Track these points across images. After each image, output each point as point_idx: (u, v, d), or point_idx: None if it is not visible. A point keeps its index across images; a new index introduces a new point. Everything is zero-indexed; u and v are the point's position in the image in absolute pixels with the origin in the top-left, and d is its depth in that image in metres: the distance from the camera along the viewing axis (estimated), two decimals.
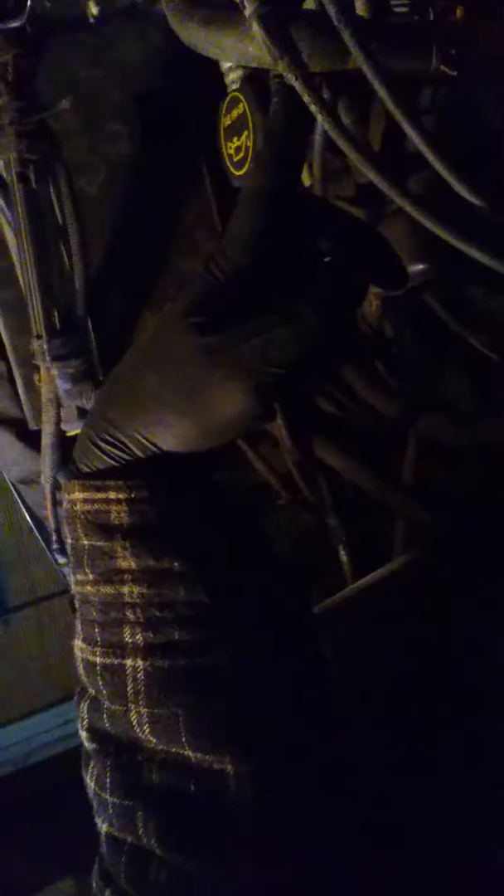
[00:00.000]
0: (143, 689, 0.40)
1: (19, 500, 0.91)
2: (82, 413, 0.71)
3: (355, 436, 0.75)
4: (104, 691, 0.41)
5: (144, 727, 0.40)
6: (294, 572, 0.66)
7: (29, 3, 0.62)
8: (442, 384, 0.75)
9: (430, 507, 0.76)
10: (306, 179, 0.62)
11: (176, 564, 0.40)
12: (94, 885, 0.44)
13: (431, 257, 0.57)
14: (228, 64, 0.61)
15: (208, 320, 0.39)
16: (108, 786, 0.41)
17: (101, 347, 0.70)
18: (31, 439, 0.79)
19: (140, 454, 0.41)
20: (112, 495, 0.41)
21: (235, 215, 0.40)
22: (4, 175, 0.66)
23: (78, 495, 0.42)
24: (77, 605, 0.44)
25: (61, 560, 0.83)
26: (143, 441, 0.40)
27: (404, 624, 0.67)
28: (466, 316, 0.67)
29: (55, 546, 0.82)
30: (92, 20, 0.68)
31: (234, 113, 0.60)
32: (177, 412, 0.39)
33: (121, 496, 0.41)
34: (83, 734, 0.44)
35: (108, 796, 0.41)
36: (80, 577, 0.43)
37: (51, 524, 0.80)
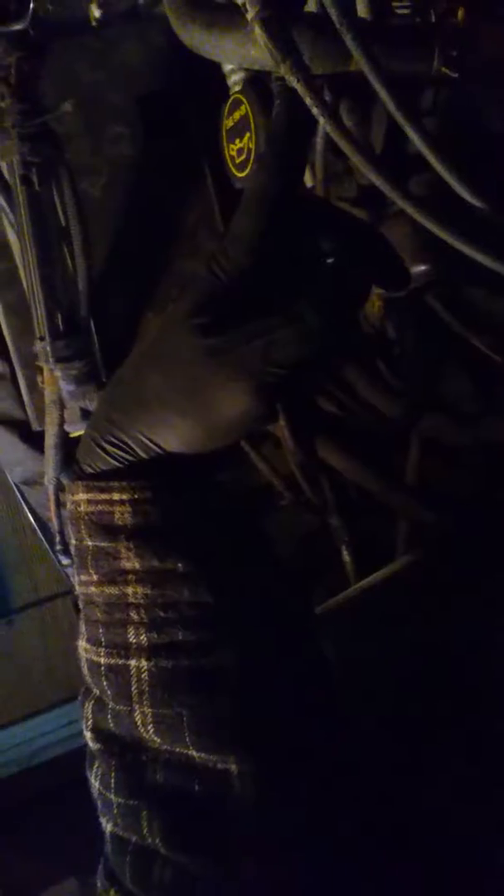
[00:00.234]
0: (147, 689, 0.40)
1: (22, 501, 0.91)
2: (85, 414, 0.71)
3: (358, 436, 0.75)
4: (108, 692, 0.41)
5: (149, 727, 0.40)
6: (297, 573, 0.66)
7: (31, 6, 0.62)
8: (444, 385, 0.75)
9: (433, 508, 0.76)
10: (308, 181, 0.62)
11: (180, 565, 0.40)
12: (98, 884, 0.44)
13: (433, 258, 0.57)
14: (230, 66, 0.61)
15: (211, 321, 0.39)
16: (112, 786, 0.41)
17: (104, 349, 0.70)
18: (34, 440, 0.79)
19: (143, 455, 0.41)
20: (116, 496, 0.41)
21: (238, 216, 0.40)
22: (7, 177, 0.67)
23: (82, 496, 0.42)
24: (81, 606, 0.44)
25: (65, 561, 0.83)
26: (147, 442, 0.40)
27: (406, 624, 0.67)
28: (468, 317, 0.68)
29: (59, 547, 0.82)
30: (94, 23, 0.68)
31: (237, 115, 0.60)
32: (180, 413, 0.39)
33: (124, 497, 0.41)
34: (88, 734, 0.44)
35: (112, 796, 0.41)
36: (83, 577, 0.43)
37: (54, 525, 0.80)
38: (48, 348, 0.67)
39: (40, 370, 0.71)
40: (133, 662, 0.41)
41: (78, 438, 0.73)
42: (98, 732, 0.43)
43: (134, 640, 0.41)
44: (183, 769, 0.40)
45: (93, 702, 0.44)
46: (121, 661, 0.41)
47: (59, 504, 0.77)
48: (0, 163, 0.67)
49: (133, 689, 0.41)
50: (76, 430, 0.73)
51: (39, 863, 1.98)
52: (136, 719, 0.41)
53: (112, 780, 0.41)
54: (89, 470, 0.43)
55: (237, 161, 0.62)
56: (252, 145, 0.58)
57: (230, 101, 0.61)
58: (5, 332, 0.75)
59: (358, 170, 0.59)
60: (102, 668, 0.41)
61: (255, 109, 0.57)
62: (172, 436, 0.40)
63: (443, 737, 0.55)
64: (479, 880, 0.47)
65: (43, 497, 0.81)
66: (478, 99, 0.51)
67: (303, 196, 0.55)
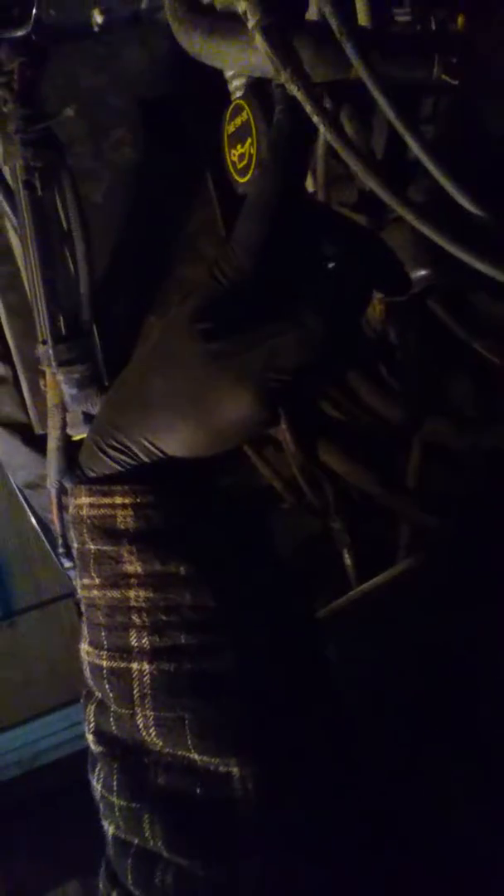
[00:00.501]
0: (149, 692, 0.40)
1: (25, 504, 0.91)
2: (88, 418, 0.72)
3: (359, 440, 0.75)
4: (111, 694, 0.42)
5: (150, 730, 0.41)
6: (298, 576, 0.66)
7: (34, 11, 0.62)
8: (445, 389, 0.75)
9: (434, 512, 0.76)
10: (309, 186, 0.63)
11: (182, 569, 0.41)
12: (100, 887, 0.44)
13: (434, 263, 0.57)
14: (232, 71, 0.62)
15: (214, 326, 0.39)
16: (114, 788, 0.42)
17: (106, 352, 0.71)
18: (36, 444, 0.79)
19: (146, 459, 0.41)
20: (118, 500, 0.41)
21: (240, 222, 0.41)
22: (10, 182, 0.67)
23: (84, 500, 0.42)
24: (83, 609, 0.44)
25: (67, 564, 0.84)
26: (149, 446, 0.41)
27: (408, 627, 0.68)
28: (470, 321, 0.68)
29: (61, 550, 0.82)
30: (96, 28, 0.68)
31: (238, 120, 0.60)
32: (182, 417, 0.40)
33: (127, 501, 0.41)
34: (90, 737, 0.44)
35: (114, 799, 0.42)
36: (86, 581, 0.43)
37: (56, 528, 0.81)
38: (50, 352, 0.67)
39: (42, 374, 0.71)
40: (135, 666, 0.41)
41: (80, 442, 0.74)
42: (100, 735, 0.43)
43: (136, 644, 0.41)
44: (185, 772, 0.40)
45: (95, 705, 0.44)
46: (123, 665, 0.41)
47: (62, 507, 0.78)
48: (3, 167, 0.68)
49: (135, 692, 0.41)
50: (78, 434, 0.74)
51: (41, 865, 1.98)
52: (138, 722, 0.41)
53: (114, 783, 0.42)
54: (92, 474, 0.43)
55: (239, 167, 0.62)
56: (253, 151, 0.59)
57: (232, 106, 0.62)
58: (8, 336, 0.75)
59: (358, 176, 0.59)
60: (104, 671, 0.42)
61: (257, 115, 0.57)
62: (175, 440, 0.40)
63: (445, 738, 0.55)
64: (481, 879, 0.47)
65: (45, 500, 0.82)
66: (477, 106, 0.51)
67: (304, 201, 0.56)
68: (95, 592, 0.42)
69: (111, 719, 0.42)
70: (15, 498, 0.93)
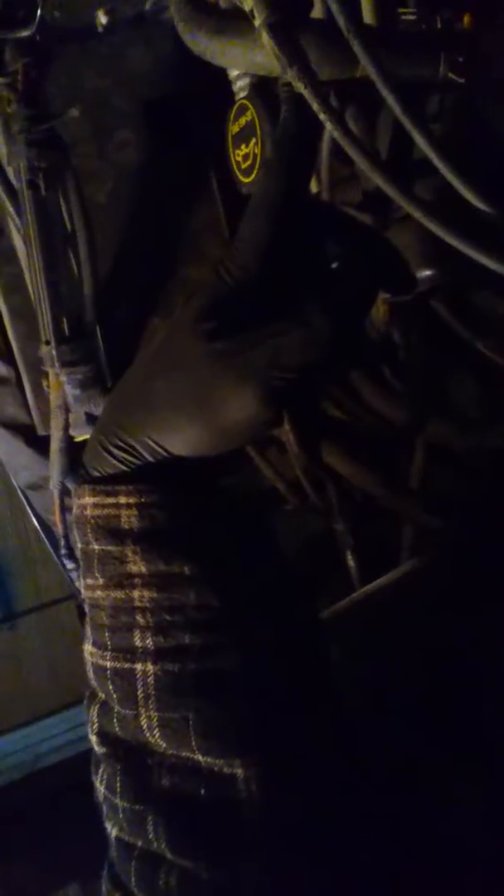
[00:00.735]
0: (153, 693, 0.40)
1: (27, 506, 0.91)
2: (90, 419, 0.72)
3: (363, 441, 0.75)
4: (114, 695, 0.41)
5: (154, 731, 0.40)
6: (302, 577, 0.66)
7: (39, 12, 0.62)
8: (449, 390, 0.75)
9: (438, 513, 0.76)
10: (313, 186, 0.62)
11: (186, 569, 0.40)
12: (103, 889, 0.44)
13: (438, 263, 0.57)
14: (236, 72, 0.62)
15: (218, 325, 0.39)
16: (118, 790, 0.41)
17: (110, 353, 0.71)
18: (39, 445, 0.79)
19: (150, 459, 0.41)
20: (122, 500, 0.41)
21: (245, 221, 0.40)
22: (14, 182, 0.67)
23: (88, 500, 0.42)
24: (87, 610, 0.44)
25: (69, 565, 0.83)
26: (154, 445, 0.41)
27: (411, 628, 0.67)
28: (474, 321, 0.68)
29: (63, 551, 0.82)
30: (101, 29, 0.68)
31: (242, 120, 0.60)
32: (186, 417, 0.40)
33: (131, 501, 0.41)
34: (93, 738, 0.44)
35: (118, 800, 0.41)
36: (90, 581, 0.43)
37: (59, 529, 0.80)
38: (54, 353, 0.67)
39: (45, 375, 0.71)
40: (139, 666, 0.41)
41: (83, 443, 0.74)
42: (103, 736, 0.43)
43: (140, 644, 0.41)
44: (189, 773, 0.40)
45: (98, 705, 0.44)
46: (127, 665, 0.41)
47: (64, 508, 0.78)
48: (7, 168, 0.68)
49: (139, 692, 0.41)
50: (81, 435, 0.73)
51: (42, 867, 1.97)
52: (142, 723, 0.41)
53: (117, 785, 0.41)
54: (96, 473, 0.43)
55: (243, 167, 0.62)
56: (258, 151, 0.58)
57: (236, 106, 0.62)
58: (11, 337, 0.75)
59: (363, 175, 0.59)
60: (108, 671, 0.41)
61: (262, 115, 0.57)
62: (179, 439, 0.40)
63: (447, 739, 0.55)
64: (483, 880, 0.47)
65: (47, 501, 0.81)
66: (483, 103, 0.51)
67: (309, 201, 0.56)
68: (99, 593, 0.42)
69: (115, 720, 0.42)
70: (16, 500, 0.93)
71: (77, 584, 0.85)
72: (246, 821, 0.39)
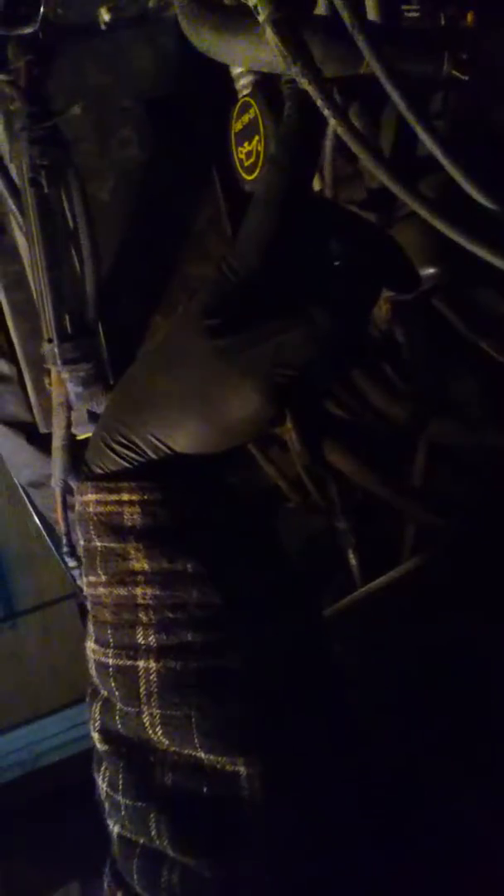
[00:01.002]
0: (155, 690, 0.40)
1: (28, 504, 0.91)
2: (93, 416, 0.71)
3: (365, 440, 0.75)
4: (116, 693, 0.41)
5: (157, 728, 0.40)
6: (304, 574, 0.66)
7: (42, 10, 0.62)
8: (451, 388, 0.75)
9: (439, 511, 0.76)
10: (316, 184, 0.62)
11: (189, 566, 0.40)
12: (105, 886, 0.44)
13: (441, 261, 0.57)
14: (239, 69, 0.62)
15: (222, 322, 0.39)
16: (120, 787, 0.41)
17: (112, 351, 0.70)
18: (40, 442, 0.79)
19: (153, 456, 0.41)
20: (125, 497, 0.41)
21: (248, 218, 0.40)
22: (17, 180, 0.67)
23: (91, 497, 0.42)
24: (89, 607, 0.44)
25: (71, 563, 0.83)
26: (157, 442, 0.40)
27: (412, 626, 0.67)
28: (476, 320, 0.68)
29: (65, 549, 0.82)
30: (103, 26, 0.68)
31: (245, 118, 0.60)
32: (190, 414, 0.39)
33: (133, 498, 0.41)
34: (95, 736, 0.44)
35: (120, 798, 0.41)
36: (92, 578, 0.43)
37: (61, 527, 0.80)
38: (56, 350, 0.67)
39: (48, 372, 0.71)
40: (141, 664, 0.41)
41: (85, 441, 0.74)
42: (106, 734, 0.43)
43: (142, 642, 0.41)
44: (191, 771, 0.40)
45: (100, 703, 0.43)
46: (129, 663, 0.41)
47: (66, 506, 0.77)
48: (9, 165, 0.68)
49: (141, 690, 0.40)
50: (83, 433, 0.73)
51: (42, 866, 1.97)
52: (145, 721, 0.41)
53: (120, 782, 0.41)
54: (99, 470, 0.43)
55: (246, 164, 0.62)
56: (261, 148, 0.58)
57: (239, 104, 0.61)
58: (13, 335, 0.75)
59: (366, 173, 0.59)
60: (111, 669, 0.41)
61: (264, 113, 0.57)
62: (182, 436, 0.40)
63: (449, 737, 0.55)
64: (486, 877, 0.47)
65: (49, 499, 0.81)
66: (487, 100, 0.51)
67: (313, 198, 0.55)
68: (102, 590, 0.42)
69: (117, 718, 0.42)
70: (16, 498, 0.93)
71: (79, 581, 0.85)
72: (248, 818, 0.39)
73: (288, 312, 0.38)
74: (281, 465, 0.78)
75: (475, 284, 0.67)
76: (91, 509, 0.42)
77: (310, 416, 0.73)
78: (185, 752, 0.40)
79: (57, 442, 0.73)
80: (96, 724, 0.44)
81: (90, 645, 0.44)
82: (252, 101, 0.59)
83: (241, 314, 0.39)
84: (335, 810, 0.43)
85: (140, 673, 0.41)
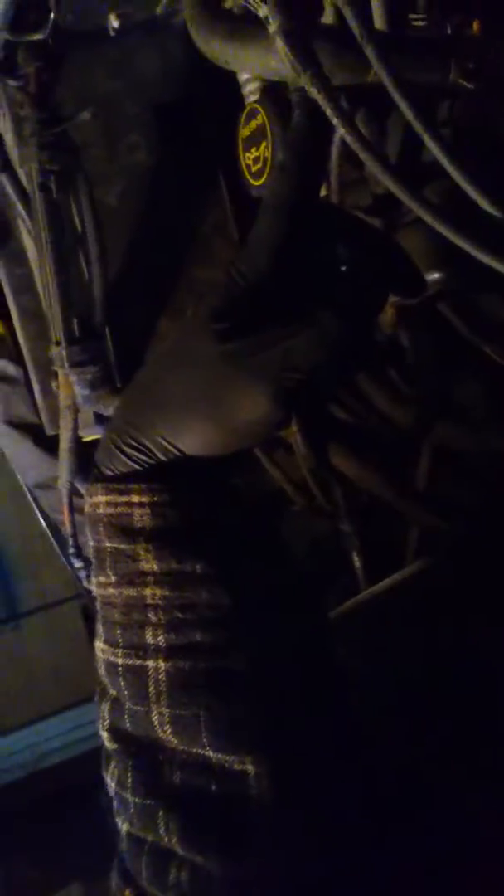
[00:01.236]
0: (164, 690, 0.41)
1: (34, 505, 0.92)
2: (99, 419, 0.72)
3: (369, 443, 0.75)
4: (126, 692, 0.42)
5: (166, 728, 0.41)
6: (309, 577, 0.66)
7: (51, 16, 0.63)
8: (455, 393, 0.75)
9: (443, 515, 0.76)
10: (323, 190, 0.63)
11: (198, 567, 0.41)
12: (112, 884, 0.44)
13: (446, 266, 0.58)
14: (246, 76, 0.62)
15: (230, 326, 0.39)
16: (129, 785, 0.42)
17: (119, 354, 0.71)
18: (47, 444, 0.80)
19: (163, 458, 0.41)
20: (135, 498, 0.41)
21: (257, 223, 0.41)
22: (26, 185, 0.68)
23: (101, 498, 0.42)
24: (99, 607, 0.44)
25: (77, 564, 0.84)
26: (166, 445, 0.41)
27: (417, 629, 0.68)
28: (480, 325, 0.68)
29: (71, 550, 0.83)
30: (112, 33, 0.69)
31: (253, 124, 0.61)
32: (199, 417, 0.40)
33: (143, 499, 0.41)
34: (104, 734, 0.44)
35: (129, 796, 0.42)
36: (102, 579, 0.43)
37: (67, 529, 0.81)
38: (63, 353, 0.68)
39: (55, 375, 0.72)
40: (151, 663, 0.41)
41: (92, 443, 0.74)
42: (114, 732, 0.43)
43: (152, 642, 0.41)
44: (200, 770, 0.41)
45: (109, 702, 0.44)
46: (138, 662, 0.41)
47: (73, 507, 0.78)
48: (18, 170, 0.68)
49: (150, 689, 0.41)
50: (90, 435, 0.74)
51: (44, 867, 1.97)
52: (154, 720, 0.41)
53: (129, 780, 0.42)
54: (109, 472, 0.43)
55: (253, 170, 0.63)
56: (268, 154, 0.59)
57: (246, 110, 0.62)
58: (20, 337, 0.76)
59: (372, 179, 0.59)
60: (120, 668, 0.42)
61: (272, 119, 0.57)
62: (191, 439, 0.40)
63: (453, 740, 0.55)
64: (486, 880, 0.47)
65: (55, 501, 0.82)
66: (493, 108, 0.51)
67: (320, 203, 0.56)
68: (111, 590, 0.43)
69: (126, 717, 0.42)
70: (20, 500, 0.93)
71: (85, 583, 0.86)
72: (256, 817, 0.40)
73: (296, 317, 0.39)
74: (286, 467, 0.78)
75: (479, 289, 0.67)
76: (101, 511, 0.42)
77: (315, 420, 0.74)
78: (194, 750, 0.41)
79: (64, 444, 0.74)
80: (105, 723, 0.44)
81: (99, 645, 0.44)
82: (260, 108, 0.59)
83: (249, 318, 0.40)
84: (340, 810, 0.43)
85: (149, 672, 0.41)
